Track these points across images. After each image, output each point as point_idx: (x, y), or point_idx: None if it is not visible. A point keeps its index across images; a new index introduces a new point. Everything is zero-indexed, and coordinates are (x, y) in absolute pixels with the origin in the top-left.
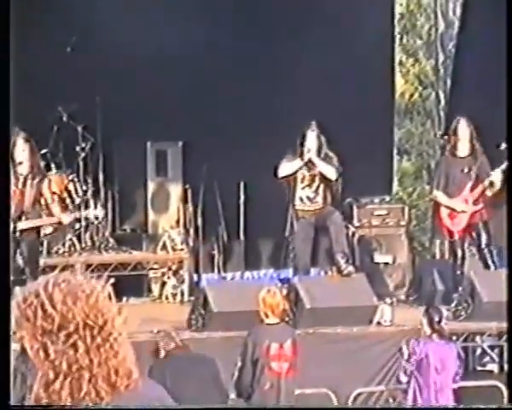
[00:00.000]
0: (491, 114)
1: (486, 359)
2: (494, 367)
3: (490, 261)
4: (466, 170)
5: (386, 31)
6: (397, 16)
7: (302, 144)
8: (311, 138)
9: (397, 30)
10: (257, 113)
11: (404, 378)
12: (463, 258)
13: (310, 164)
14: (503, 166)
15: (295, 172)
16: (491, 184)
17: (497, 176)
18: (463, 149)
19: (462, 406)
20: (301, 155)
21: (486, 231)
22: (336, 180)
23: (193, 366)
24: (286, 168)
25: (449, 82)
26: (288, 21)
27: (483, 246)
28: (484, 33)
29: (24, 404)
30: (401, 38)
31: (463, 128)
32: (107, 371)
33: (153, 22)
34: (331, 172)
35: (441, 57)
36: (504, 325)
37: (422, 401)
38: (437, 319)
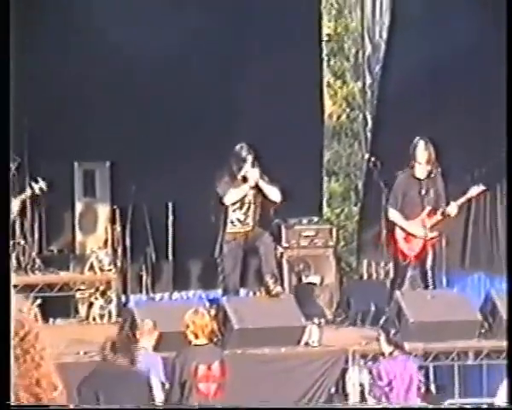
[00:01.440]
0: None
1: None
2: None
3: (430, 281)
4: (423, 192)
5: (316, 52)
6: (324, 38)
7: (239, 168)
8: (250, 161)
9: (325, 52)
10: (186, 134)
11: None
12: (403, 280)
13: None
14: (463, 198)
15: (243, 198)
16: (448, 215)
17: (453, 209)
18: (421, 170)
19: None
20: (245, 180)
21: (433, 253)
22: (281, 202)
23: (123, 384)
24: (234, 195)
25: (376, 104)
26: (221, 44)
27: (428, 268)
28: (410, 56)
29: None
30: (329, 60)
31: (421, 150)
32: (28, 381)
33: (76, 45)
34: (275, 195)
35: (368, 79)
36: (432, 345)
37: None
38: (393, 331)
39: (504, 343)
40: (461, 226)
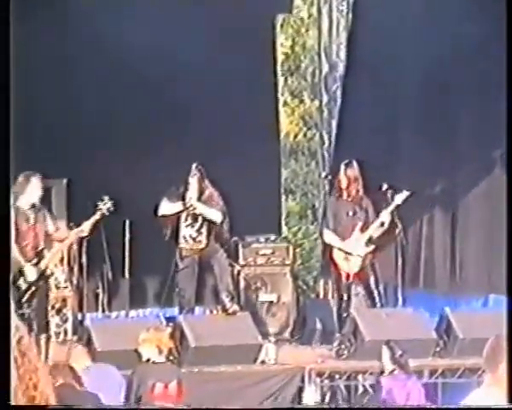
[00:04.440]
0: (378, 156)
1: (367, 397)
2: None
3: (377, 300)
4: (351, 213)
5: (272, 71)
6: (281, 57)
7: (185, 189)
8: (193, 184)
9: (281, 71)
10: (143, 150)
11: None
12: (350, 298)
13: (192, 207)
14: (391, 207)
15: (175, 214)
16: (382, 224)
17: (385, 216)
18: (349, 192)
19: (461, 406)
20: (183, 199)
21: (374, 271)
22: (221, 223)
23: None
24: (166, 208)
25: (333, 123)
26: (175, 62)
27: (372, 287)
28: (367, 76)
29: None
30: (286, 79)
31: (350, 170)
32: (25, 385)
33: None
34: (215, 216)
35: (325, 98)
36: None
37: None
38: (399, 352)
39: (459, 362)
40: (414, 247)
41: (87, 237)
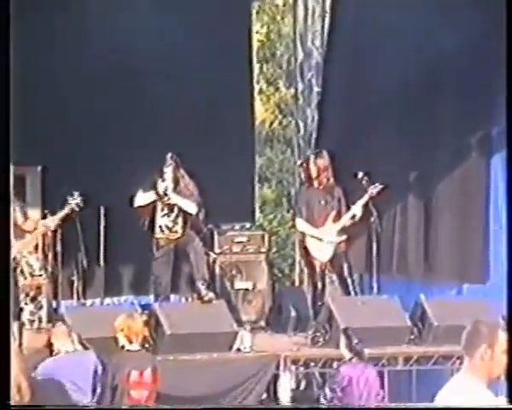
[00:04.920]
0: (349, 144)
1: (328, 385)
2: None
3: (351, 288)
4: (323, 202)
5: (247, 59)
6: (256, 44)
7: (160, 178)
8: (167, 173)
9: (257, 58)
10: (118, 139)
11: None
12: (324, 286)
13: (166, 197)
14: (363, 199)
15: (149, 204)
16: (353, 216)
17: (357, 208)
18: (319, 181)
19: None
20: (156, 189)
21: (347, 260)
22: (197, 215)
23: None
24: (140, 199)
25: (308, 111)
26: (153, 46)
27: (345, 275)
28: (344, 65)
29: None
30: (261, 67)
31: (319, 160)
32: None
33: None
34: (190, 207)
35: (300, 86)
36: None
37: None
38: (356, 340)
39: (434, 349)
40: (388, 234)
41: (55, 229)
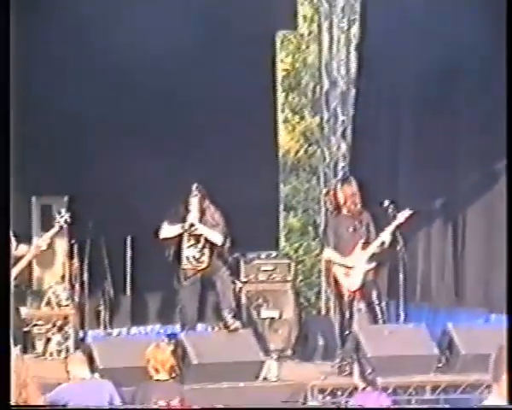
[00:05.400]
0: (377, 172)
1: None
2: None
3: (380, 316)
4: (351, 229)
5: (271, 88)
6: (281, 73)
7: (185, 209)
8: (193, 204)
9: (282, 87)
10: (143, 168)
11: None
12: (352, 315)
13: (193, 228)
14: (392, 226)
15: (176, 236)
16: (382, 243)
17: (386, 236)
18: (347, 208)
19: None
20: (183, 221)
21: (376, 286)
22: (223, 245)
23: None
24: (166, 231)
25: (333, 140)
26: (177, 74)
27: (375, 302)
28: (374, 91)
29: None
30: (286, 95)
31: (347, 186)
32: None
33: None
34: (216, 238)
35: (326, 115)
36: (389, 379)
37: None
38: (369, 370)
39: (461, 378)
40: (412, 260)
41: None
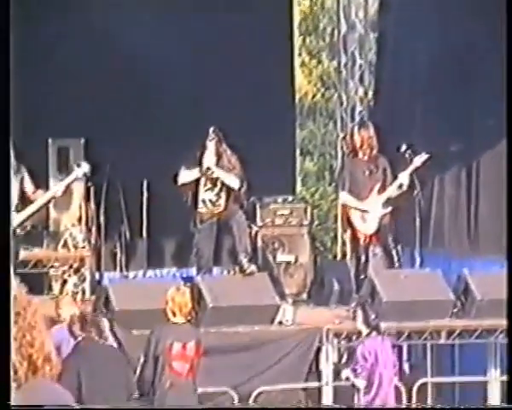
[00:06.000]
0: (392, 117)
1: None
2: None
3: (396, 260)
4: (367, 173)
5: (288, 31)
6: (298, 17)
7: (202, 153)
8: (210, 148)
9: (299, 31)
10: (161, 112)
11: (360, 383)
12: (367, 259)
13: (210, 172)
14: (410, 168)
15: (194, 181)
16: (400, 186)
17: (404, 178)
18: (364, 151)
19: (461, 406)
20: (200, 165)
21: (391, 230)
22: (239, 188)
23: (105, 362)
24: (184, 176)
25: (351, 84)
26: (191, 26)
27: (390, 247)
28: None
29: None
30: (304, 39)
31: (364, 130)
32: (19, 343)
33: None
34: (233, 182)
35: (343, 59)
36: (405, 324)
37: (379, 399)
38: (373, 316)
39: (477, 323)
40: (426, 205)
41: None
